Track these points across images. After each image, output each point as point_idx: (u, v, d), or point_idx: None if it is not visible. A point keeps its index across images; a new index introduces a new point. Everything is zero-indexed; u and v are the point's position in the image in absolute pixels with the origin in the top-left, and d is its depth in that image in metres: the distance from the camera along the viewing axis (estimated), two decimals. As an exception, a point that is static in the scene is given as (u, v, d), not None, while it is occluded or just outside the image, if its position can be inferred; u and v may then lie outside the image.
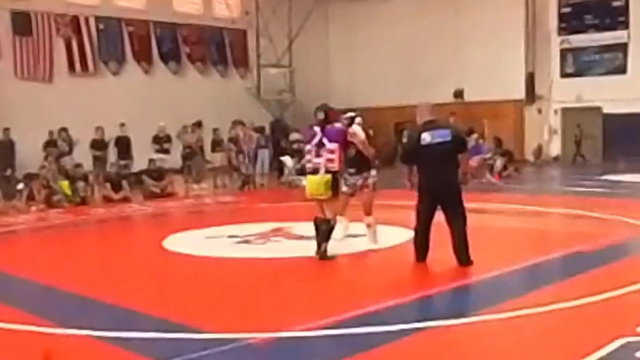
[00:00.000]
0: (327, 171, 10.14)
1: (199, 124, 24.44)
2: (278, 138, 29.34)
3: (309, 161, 10.38)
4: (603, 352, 5.76)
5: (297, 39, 34.46)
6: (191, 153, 23.35)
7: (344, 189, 11.03)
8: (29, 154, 23.20)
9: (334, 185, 10.27)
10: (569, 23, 31.71)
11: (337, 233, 11.07)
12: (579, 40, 31.31)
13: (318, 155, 10.22)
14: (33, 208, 18.18)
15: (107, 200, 19.73)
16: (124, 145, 23.68)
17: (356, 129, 11.06)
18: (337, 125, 10.65)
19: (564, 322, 6.83)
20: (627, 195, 18.50)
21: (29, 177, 19.66)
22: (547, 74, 32.07)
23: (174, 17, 31.44)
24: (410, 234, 11.57)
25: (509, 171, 24.40)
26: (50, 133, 23.27)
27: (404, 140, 29.99)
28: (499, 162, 23.97)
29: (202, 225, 14.56)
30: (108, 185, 20.18)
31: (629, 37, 29.99)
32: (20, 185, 19.25)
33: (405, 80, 33.57)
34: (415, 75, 33.26)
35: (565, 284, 8.49)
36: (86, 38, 28.60)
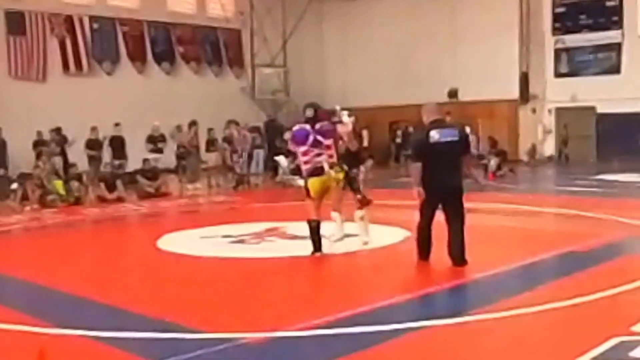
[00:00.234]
0: (330, 166, 10.33)
1: (193, 124, 24.43)
2: (272, 138, 29.34)
3: (308, 162, 10.33)
4: (597, 351, 5.77)
5: (292, 39, 34.49)
6: (185, 153, 23.34)
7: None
8: (23, 154, 23.19)
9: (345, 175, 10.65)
10: (563, 23, 31.78)
11: (335, 233, 11.14)
12: (573, 40, 31.39)
13: (319, 154, 10.28)
14: (27, 208, 18.15)
15: (102, 200, 19.70)
16: (118, 145, 23.67)
17: (346, 119, 11.27)
18: (325, 122, 10.67)
19: (558, 322, 6.84)
20: (621, 194, 18.54)
21: (22, 177, 19.63)
22: (541, 74, 32.13)
23: (168, 16, 31.43)
24: (405, 233, 11.70)
25: (503, 171, 24.43)
26: (39, 133, 23.24)
27: (398, 140, 30.34)
28: (493, 162, 24.02)
29: (197, 225, 14.55)
30: (102, 185, 20.15)
31: (622, 36, 30.05)
32: (14, 185, 19.23)
33: (400, 80, 33.64)
34: (409, 75, 33.32)
35: (560, 284, 8.50)
36: (80, 38, 28.58)
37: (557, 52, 32.02)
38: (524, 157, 31.70)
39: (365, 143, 24.15)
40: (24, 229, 15.78)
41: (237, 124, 24.20)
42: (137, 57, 30.55)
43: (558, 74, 31.96)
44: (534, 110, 32.48)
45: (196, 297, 8.30)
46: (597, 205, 15.58)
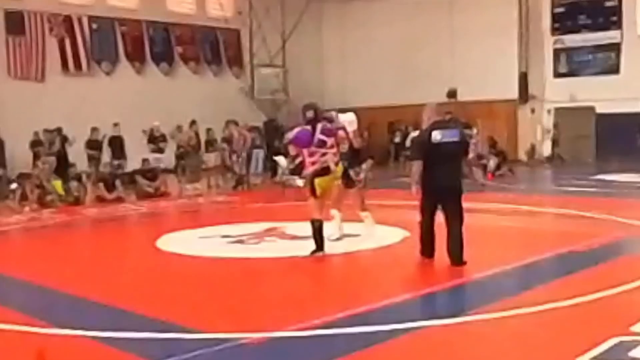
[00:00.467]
0: (335, 164, 10.46)
1: (192, 123, 24.44)
2: (272, 138, 29.35)
3: (316, 162, 10.37)
4: (596, 351, 5.77)
5: (291, 39, 34.49)
6: (185, 153, 23.34)
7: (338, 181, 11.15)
8: (21, 154, 23.19)
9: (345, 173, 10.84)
10: (562, 23, 31.78)
11: (333, 232, 11.18)
12: (572, 40, 31.39)
13: (324, 154, 10.35)
14: (26, 208, 18.14)
15: (101, 200, 19.69)
16: (117, 145, 23.70)
17: (350, 118, 11.59)
18: (325, 122, 10.78)
19: (557, 322, 6.83)
20: (620, 194, 18.53)
21: (21, 177, 19.62)
22: (540, 74, 32.13)
23: (167, 16, 31.42)
24: (404, 233, 11.71)
25: (502, 171, 24.44)
26: (36, 133, 23.25)
27: (397, 140, 30.32)
28: (492, 162, 24.02)
29: (196, 225, 14.55)
30: (101, 185, 20.14)
31: (622, 37, 30.06)
32: (13, 185, 19.23)
33: (399, 79, 33.65)
34: (409, 75, 33.32)
35: (559, 284, 8.49)
36: (79, 38, 28.57)
37: (556, 52, 32.02)
38: (523, 157, 31.73)
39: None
40: (23, 229, 15.78)
41: (236, 124, 24.19)
42: (136, 57, 30.54)
43: (557, 74, 31.97)
44: (533, 111, 32.49)
45: (195, 297, 8.30)
46: (596, 205, 15.58)
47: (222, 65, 33.60)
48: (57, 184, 19.39)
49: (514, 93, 32.16)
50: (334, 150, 10.51)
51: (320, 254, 10.38)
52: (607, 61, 30.53)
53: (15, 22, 26.91)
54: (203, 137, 24.41)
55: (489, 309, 7.14)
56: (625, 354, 5.73)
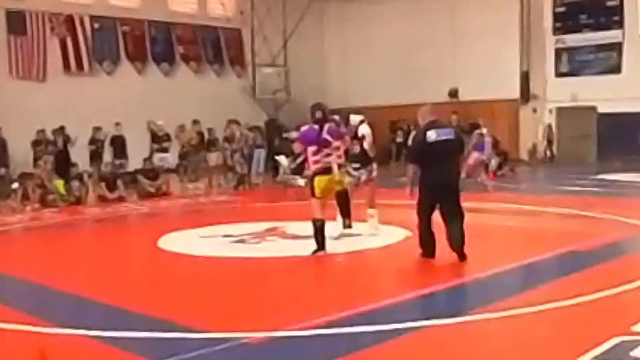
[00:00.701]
0: (339, 166, 10.55)
1: (194, 123, 24.44)
2: (273, 137, 29.34)
3: (318, 162, 10.43)
4: (598, 351, 5.77)
5: (292, 39, 34.49)
6: (186, 152, 23.35)
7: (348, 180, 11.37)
8: (23, 153, 23.19)
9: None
10: (564, 22, 31.78)
11: (333, 231, 11.20)
12: (573, 39, 31.39)
13: (328, 154, 10.40)
14: (27, 207, 18.15)
15: (102, 199, 19.70)
16: (119, 145, 23.72)
17: (365, 130, 11.91)
18: (332, 123, 10.88)
19: (558, 321, 6.83)
20: (622, 194, 18.54)
21: (23, 177, 19.62)
22: (542, 74, 32.12)
23: (169, 16, 31.42)
24: (405, 233, 11.71)
25: (504, 170, 24.43)
26: (37, 132, 23.28)
27: (399, 140, 30.31)
28: (493, 162, 24.00)
29: (197, 224, 14.53)
30: (103, 184, 20.14)
31: (623, 36, 30.06)
32: (15, 185, 19.22)
33: (400, 79, 33.63)
34: (410, 75, 33.31)
35: (560, 283, 8.49)
36: (81, 37, 28.57)
37: (558, 52, 32.02)
38: (525, 157, 31.73)
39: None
40: (25, 229, 15.79)
41: (238, 123, 24.20)
42: (138, 57, 30.54)
43: (559, 74, 31.97)
44: (534, 110, 32.49)
45: (197, 296, 8.30)
46: (597, 204, 15.58)
47: (223, 65, 33.60)
48: (59, 183, 19.40)
49: (515, 93, 32.16)
50: (339, 152, 10.60)
51: (321, 253, 10.39)
52: (609, 61, 30.53)
53: (17, 22, 26.92)
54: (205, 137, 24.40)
55: (490, 308, 7.14)
56: (627, 354, 5.73)
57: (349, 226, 11.22)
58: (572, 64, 31.63)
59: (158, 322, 7.03)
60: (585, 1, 31.15)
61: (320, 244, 10.42)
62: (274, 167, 23.96)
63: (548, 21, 32.16)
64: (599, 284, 7.96)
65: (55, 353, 5.91)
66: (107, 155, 23.65)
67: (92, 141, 23.43)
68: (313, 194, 10.49)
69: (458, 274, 9.10)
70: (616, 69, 30.16)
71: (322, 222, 10.44)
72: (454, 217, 9.58)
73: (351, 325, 6.72)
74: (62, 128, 23.33)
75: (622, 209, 14.41)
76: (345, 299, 7.87)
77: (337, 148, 10.55)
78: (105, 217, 17.26)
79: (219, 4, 33.16)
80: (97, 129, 23.50)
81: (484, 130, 20.18)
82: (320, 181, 10.40)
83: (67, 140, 22.97)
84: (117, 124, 23.95)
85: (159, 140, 23.81)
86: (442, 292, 8.33)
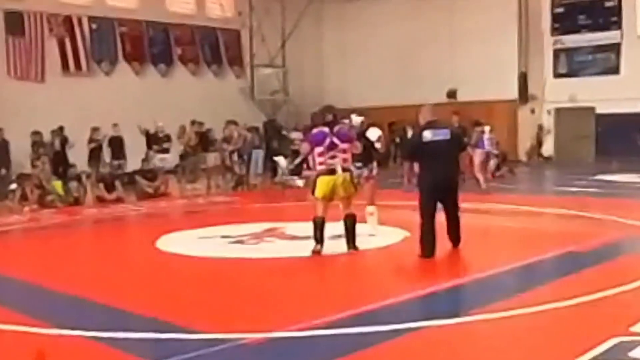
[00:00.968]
0: (344, 170, 10.57)
1: (192, 123, 24.42)
2: (271, 138, 29.31)
3: (323, 163, 10.55)
4: (596, 351, 5.77)
5: (291, 39, 34.50)
6: (185, 153, 23.34)
7: None
8: (22, 154, 23.16)
9: (354, 183, 10.86)
10: (562, 23, 31.79)
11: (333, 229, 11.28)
12: (572, 40, 31.41)
13: (333, 156, 10.50)
14: (26, 208, 18.13)
15: (100, 200, 19.68)
16: (117, 146, 23.71)
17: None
18: (343, 126, 11.07)
19: (557, 322, 6.83)
20: (620, 195, 18.55)
21: (21, 177, 19.60)
22: (540, 74, 32.14)
23: (167, 17, 31.41)
24: (404, 233, 11.74)
25: (502, 171, 24.43)
26: (36, 133, 23.26)
27: (397, 140, 30.31)
28: (492, 162, 24.00)
29: (196, 225, 14.54)
30: (101, 185, 20.12)
31: (621, 37, 30.08)
32: (13, 186, 19.20)
33: (399, 80, 33.65)
34: (408, 75, 33.33)
35: (559, 284, 8.50)
36: (79, 38, 28.56)
37: (556, 53, 32.04)
38: (523, 158, 31.74)
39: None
40: (23, 230, 15.78)
41: (236, 124, 24.18)
42: (136, 58, 30.55)
43: (557, 75, 31.99)
44: (533, 111, 32.50)
45: (195, 297, 8.30)
46: (596, 205, 15.60)
47: (222, 66, 33.61)
48: (57, 184, 19.39)
49: (513, 93, 32.18)
50: (345, 155, 10.64)
51: (318, 247, 10.51)
52: (607, 61, 30.55)
53: (15, 23, 26.91)
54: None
55: (489, 309, 7.14)
56: (625, 355, 5.73)
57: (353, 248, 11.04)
58: (570, 64, 31.65)
59: (156, 323, 7.02)
60: (583, 2, 31.16)
61: (319, 240, 10.52)
62: (273, 168, 23.97)
63: (546, 22, 32.18)
64: (598, 284, 7.97)
65: (53, 354, 5.90)
66: (106, 156, 23.63)
67: (91, 142, 23.40)
68: (312, 193, 10.68)
69: (457, 275, 9.11)
70: (614, 70, 30.19)
71: (322, 220, 10.53)
72: (452, 209, 10.16)
73: (350, 326, 6.72)
74: (60, 129, 23.32)
75: (621, 210, 14.42)
76: (343, 300, 7.87)
77: (344, 151, 10.61)
78: (104, 217, 17.25)
79: (217, 4, 33.16)
80: (95, 130, 23.48)
81: (485, 128, 20.27)
82: (322, 181, 10.52)
83: (64, 141, 22.96)
84: (115, 124, 23.94)
85: (159, 141, 23.80)
86: (440, 293, 8.32)
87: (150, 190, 20.72)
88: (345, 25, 36.57)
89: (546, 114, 32.29)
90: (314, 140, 10.72)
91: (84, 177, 20.92)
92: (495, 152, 21.89)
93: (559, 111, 31.82)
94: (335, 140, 10.52)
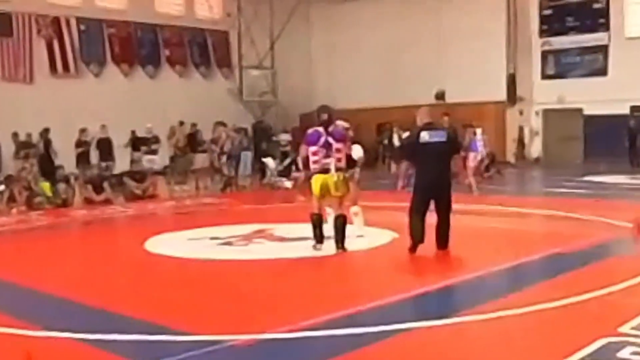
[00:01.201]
0: (337, 169, 10.70)
1: (181, 124, 24.43)
2: (260, 139, 29.33)
3: (317, 162, 10.71)
4: (584, 352, 5.79)
5: (279, 41, 34.47)
6: (175, 154, 23.34)
7: None
8: (10, 156, 23.11)
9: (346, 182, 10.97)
10: (550, 25, 31.89)
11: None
12: (560, 42, 31.51)
13: (327, 155, 10.65)
14: (14, 210, 18.08)
15: (89, 202, 19.62)
16: (105, 147, 23.66)
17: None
18: (338, 126, 11.25)
19: (545, 323, 6.84)
20: (608, 196, 18.61)
21: (9, 179, 19.54)
22: (528, 76, 32.22)
23: (156, 18, 31.36)
24: (392, 235, 11.75)
25: (491, 172, 24.46)
26: (13, 135, 23.25)
27: (385, 142, 30.38)
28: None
29: (184, 227, 14.51)
30: (89, 187, 20.07)
31: (609, 39, 30.19)
32: (1, 187, 19.14)
33: (387, 81, 33.68)
34: (397, 77, 33.37)
35: (547, 285, 8.52)
36: (67, 39, 28.48)
37: (544, 54, 32.14)
38: (512, 159, 31.80)
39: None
40: (11, 231, 15.70)
41: (224, 125, 24.18)
42: (124, 59, 30.49)
43: (545, 76, 32.09)
44: (521, 112, 32.57)
45: (184, 299, 8.28)
46: (584, 206, 15.63)
47: (210, 67, 33.57)
48: (45, 185, 19.32)
49: (502, 95, 32.24)
50: (339, 155, 10.77)
51: (319, 246, 10.76)
52: (595, 63, 30.66)
53: (3, 23, 26.82)
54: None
55: (478, 310, 7.15)
56: (613, 355, 5.75)
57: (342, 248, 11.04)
58: (558, 66, 31.74)
59: (145, 325, 7.01)
60: (571, 3, 31.27)
61: (318, 237, 10.76)
62: (261, 170, 23.98)
63: (534, 23, 32.28)
64: (586, 285, 7.98)
65: (41, 356, 5.89)
66: (94, 158, 23.59)
67: (79, 143, 23.35)
68: (311, 193, 10.88)
69: (445, 276, 9.12)
70: (602, 72, 30.29)
71: (319, 217, 10.78)
72: (443, 211, 10.31)
73: (339, 327, 6.72)
74: (46, 130, 23.28)
75: (609, 211, 14.45)
76: (333, 301, 7.87)
77: (338, 150, 10.75)
78: (92, 219, 17.20)
79: (206, 6, 33.13)
80: (83, 131, 23.42)
81: (477, 130, 20.34)
82: (316, 180, 10.69)
83: (48, 143, 22.94)
84: (103, 126, 23.89)
85: (147, 142, 23.77)
86: (429, 294, 8.33)
87: (138, 192, 20.67)
88: (333, 27, 36.59)
89: (534, 115, 32.38)
90: (309, 140, 10.85)
91: (72, 179, 20.85)
92: (485, 151, 21.93)
93: (547, 112, 31.92)
94: (330, 140, 10.67)
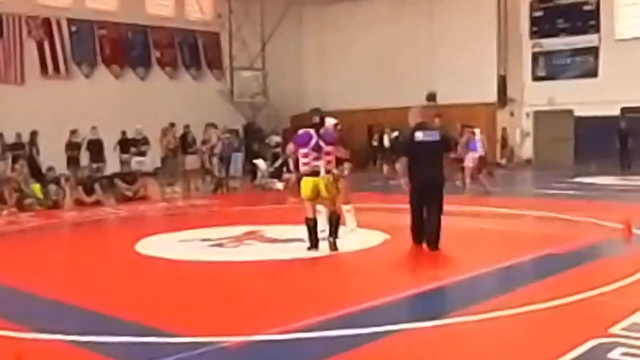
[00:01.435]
0: (327, 171, 10.75)
1: (171, 126, 24.39)
2: (251, 141, 29.31)
3: (307, 164, 10.74)
4: (575, 353, 5.80)
5: (270, 42, 34.47)
6: (166, 156, 23.30)
7: None
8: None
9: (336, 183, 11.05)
10: (541, 27, 32.00)
11: (325, 229, 11.36)
12: (550, 43, 31.62)
13: (317, 158, 10.69)
14: (4, 212, 18.01)
15: (80, 203, 19.58)
16: (96, 149, 23.61)
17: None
18: (330, 127, 11.36)
19: (536, 324, 6.85)
20: (598, 197, 18.65)
21: (-1, 181, 19.49)
22: (519, 77, 32.31)
23: (147, 19, 31.34)
24: (384, 236, 11.78)
25: (482, 173, 24.44)
26: (18, 135, 23.20)
27: (375, 143, 30.42)
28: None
29: (175, 228, 14.48)
30: (80, 188, 20.02)
31: (599, 40, 30.31)
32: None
33: (379, 82, 33.72)
34: (388, 78, 33.40)
35: (538, 286, 8.53)
36: (58, 40, 28.44)
37: (535, 56, 32.25)
38: (502, 160, 31.86)
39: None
40: (1, 233, 15.64)
41: (215, 127, 24.16)
42: (115, 61, 30.47)
43: (536, 78, 32.20)
44: (512, 114, 32.65)
45: (175, 300, 8.27)
46: (574, 207, 15.66)
47: (201, 68, 33.55)
48: (36, 187, 19.26)
49: (493, 96, 32.30)
50: (329, 157, 10.81)
51: (313, 250, 10.74)
52: (585, 65, 30.78)
53: (-7, 25, 26.78)
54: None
55: (468, 311, 7.16)
56: (604, 356, 5.76)
57: (334, 246, 11.06)
58: (549, 67, 31.85)
59: (136, 327, 6.99)
60: (562, 5, 31.37)
61: (313, 242, 10.78)
62: (252, 171, 23.97)
63: (525, 25, 32.39)
64: (576, 286, 8.00)
65: (32, 358, 5.87)
66: (84, 159, 23.53)
67: (69, 144, 23.30)
68: (299, 194, 10.97)
69: (437, 277, 9.12)
70: (593, 73, 30.42)
71: (314, 221, 10.81)
72: (433, 210, 10.56)
73: (330, 328, 6.71)
74: (33, 133, 23.25)
75: (599, 212, 14.49)
76: (324, 303, 7.87)
77: (328, 153, 10.79)
78: (83, 221, 17.16)
79: (197, 7, 33.09)
80: (73, 132, 23.38)
81: (476, 130, 20.38)
82: (306, 182, 10.72)
83: (32, 144, 22.91)
84: (94, 127, 23.85)
85: (136, 143, 23.74)
86: (420, 295, 8.34)
87: (129, 193, 20.63)
88: (325, 28, 36.62)
89: (525, 116, 32.45)
90: (299, 142, 10.86)
91: (62, 180, 20.81)
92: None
93: (537, 114, 32.02)
94: (321, 142, 10.71)
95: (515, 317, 6.99)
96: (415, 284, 8.83)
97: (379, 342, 6.34)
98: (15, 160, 21.63)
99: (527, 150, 32.77)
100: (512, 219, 15.11)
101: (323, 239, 11.02)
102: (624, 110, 28.92)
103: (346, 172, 12.33)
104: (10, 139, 23.89)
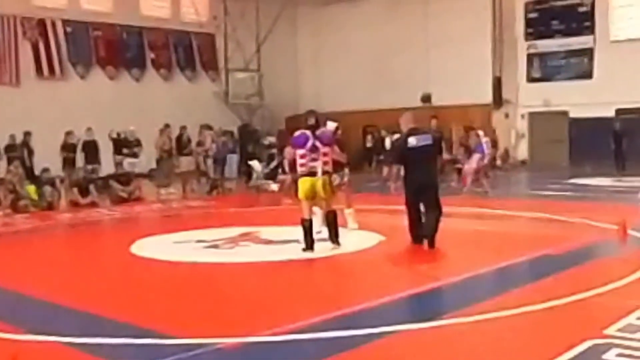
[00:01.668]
0: (324, 172, 10.81)
1: (166, 127, 24.38)
2: (246, 142, 29.29)
3: (304, 165, 10.82)
4: (570, 354, 5.80)
5: (266, 43, 34.41)
6: (161, 157, 23.29)
7: None
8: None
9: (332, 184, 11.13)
10: (536, 28, 31.99)
11: (321, 229, 11.41)
12: (545, 45, 31.61)
13: (314, 159, 10.78)
14: (-1, 213, 18.02)
15: (75, 205, 19.56)
16: (91, 150, 23.57)
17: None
18: (326, 129, 11.46)
19: (531, 325, 6.86)
20: (593, 198, 18.69)
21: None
22: (514, 79, 32.31)
23: (142, 21, 31.27)
24: (379, 237, 11.81)
25: (478, 175, 24.46)
26: (11, 137, 23.18)
27: (369, 144, 30.44)
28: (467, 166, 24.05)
29: (170, 230, 14.47)
30: (75, 190, 20.00)
31: (594, 42, 30.31)
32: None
33: (374, 84, 33.70)
34: (383, 80, 33.38)
35: (533, 287, 8.54)
36: (53, 41, 28.35)
37: (530, 57, 32.23)
38: (497, 162, 31.86)
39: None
40: (-4, 235, 15.65)
41: (210, 128, 24.16)
42: (110, 62, 30.38)
43: (531, 79, 32.18)
44: (507, 115, 32.64)
45: (170, 302, 8.27)
46: (569, 209, 15.67)
47: (196, 70, 33.50)
48: (31, 188, 19.24)
49: (488, 98, 32.29)
50: (326, 158, 10.88)
51: (309, 252, 10.77)
52: (580, 66, 30.77)
53: (-12, 26, 26.72)
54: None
55: (464, 312, 7.16)
56: (599, 357, 5.76)
57: (336, 241, 11.17)
58: (544, 69, 31.84)
59: (131, 328, 6.99)
60: (556, 7, 31.38)
61: (309, 244, 10.81)
62: (247, 172, 23.96)
63: (520, 27, 32.36)
64: (572, 287, 8.01)
65: (27, 360, 5.86)
66: (80, 161, 23.49)
67: (65, 146, 23.27)
68: (296, 196, 11.00)
69: (432, 279, 9.13)
70: (588, 75, 30.41)
71: (309, 223, 10.83)
72: (431, 210, 10.83)
73: (325, 330, 6.71)
74: (27, 134, 23.22)
75: (594, 213, 14.49)
76: (319, 304, 7.87)
77: (325, 154, 10.86)
78: (78, 222, 17.15)
79: (192, 9, 33.05)
80: (69, 134, 23.34)
81: (480, 132, 20.41)
82: (303, 183, 10.77)
83: (24, 146, 22.88)
84: (89, 128, 23.80)
85: (129, 144, 23.72)
86: (416, 297, 8.34)
87: (124, 195, 20.62)
88: (320, 29, 36.59)
89: (520, 118, 32.46)
90: (296, 143, 10.93)
91: (57, 182, 20.78)
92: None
93: (532, 115, 32.01)
94: (317, 143, 10.79)
95: (510, 318, 7.00)
96: (411, 285, 8.84)
97: (375, 343, 6.34)
98: (10, 161, 21.58)
99: (522, 151, 32.75)
100: (507, 220, 15.13)
101: (320, 239, 11.03)
102: (618, 111, 28.93)
103: (346, 178, 12.51)
104: (4, 140, 23.82)
